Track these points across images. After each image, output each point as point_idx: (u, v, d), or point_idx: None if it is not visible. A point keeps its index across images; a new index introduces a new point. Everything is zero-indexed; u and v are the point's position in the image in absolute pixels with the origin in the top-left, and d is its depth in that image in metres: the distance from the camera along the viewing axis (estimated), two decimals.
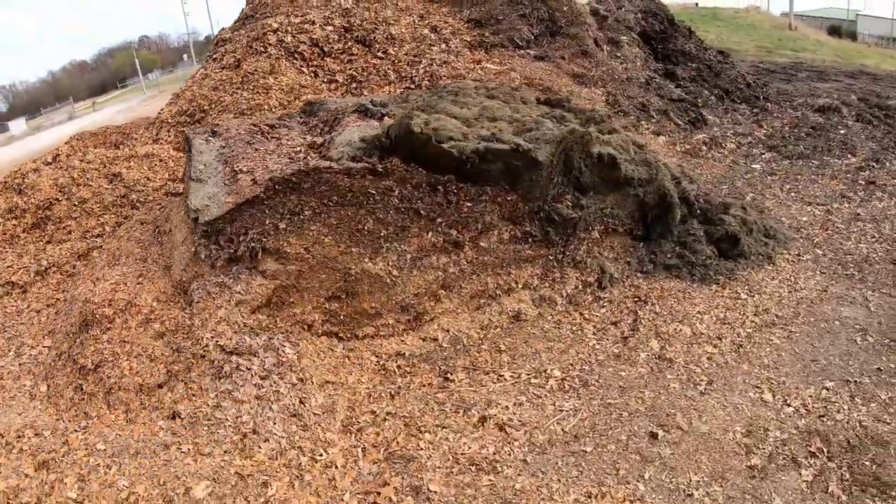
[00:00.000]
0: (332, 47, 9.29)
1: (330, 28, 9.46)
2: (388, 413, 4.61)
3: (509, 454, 4.12)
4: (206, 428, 4.16)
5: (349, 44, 9.44)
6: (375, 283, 5.20)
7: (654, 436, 4.26)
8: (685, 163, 9.88)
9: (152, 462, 3.93)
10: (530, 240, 5.85)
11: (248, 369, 4.60)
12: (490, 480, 3.89)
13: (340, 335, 5.20)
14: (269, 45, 8.97)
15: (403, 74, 9.20)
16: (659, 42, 12.45)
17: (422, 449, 4.18)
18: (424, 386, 4.92)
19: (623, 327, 5.54)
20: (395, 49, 9.69)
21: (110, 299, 5.21)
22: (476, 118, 6.42)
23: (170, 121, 8.46)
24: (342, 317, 5.16)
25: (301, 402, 4.49)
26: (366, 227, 5.15)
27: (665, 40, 12.46)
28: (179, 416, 4.33)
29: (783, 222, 7.68)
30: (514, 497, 3.78)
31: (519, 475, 3.94)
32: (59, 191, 7.54)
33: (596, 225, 6.25)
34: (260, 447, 4.07)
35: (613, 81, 10.65)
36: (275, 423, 4.29)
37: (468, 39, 10.51)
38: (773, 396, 4.55)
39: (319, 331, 5.12)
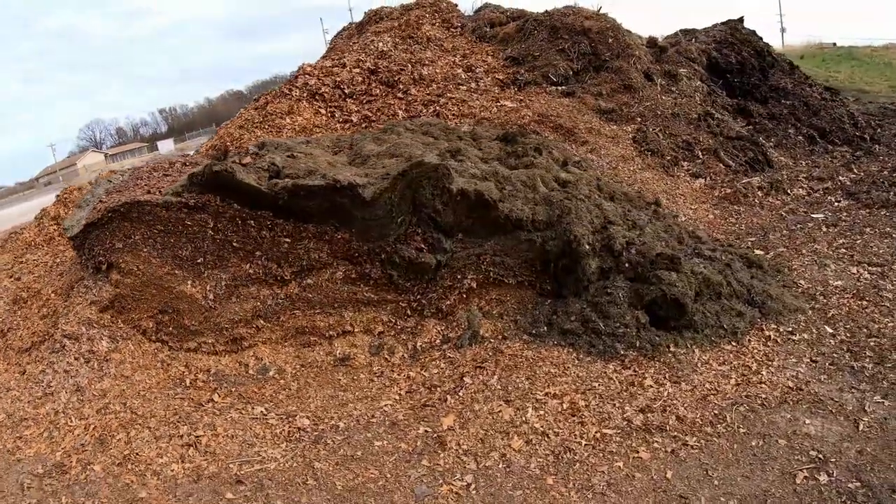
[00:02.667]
0: (355, 89, 9.16)
1: (357, 70, 9.35)
2: (125, 409, 4.59)
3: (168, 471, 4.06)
4: (33, 383, 4.90)
5: (372, 85, 9.24)
6: (195, 304, 4.97)
7: None
8: (718, 210, 7.94)
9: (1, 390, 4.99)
10: (371, 282, 5.05)
11: (70, 350, 5.01)
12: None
13: (170, 344, 5.11)
14: (295, 87, 9.14)
15: (413, 113, 8.72)
16: (736, 75, 10.16)
17: (109, 443, 4.34)
18: (188, 401, 4.60)
19: (436, 394, 4.51)
20: (419, 89, 9.24)
21: (29, 288, 5.69)
22: (377, 155, 5.76)
23: (203, 153, 9.03)
24: (171, 329, 5.10)
25: (89, 382, 4.80)
26: (185, 254, 4.97)
27: (744, 73, 10.10)
28: (24, 373, 5.12)
29: (797, 286, 5.73)
30: None
31: None
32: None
33: (469, 273, 5.18)
34: (47, 403, 4.73)
35: (655, 118, 8.94)
36: (65, 391, 4.77)
37: (501, 77, 9.64)
38: None
39: (153, 336, 5.13)
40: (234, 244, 4.99)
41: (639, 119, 9.06)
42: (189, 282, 5.03)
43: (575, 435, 3.92)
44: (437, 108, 8.85)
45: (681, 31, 11.84)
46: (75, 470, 4.10)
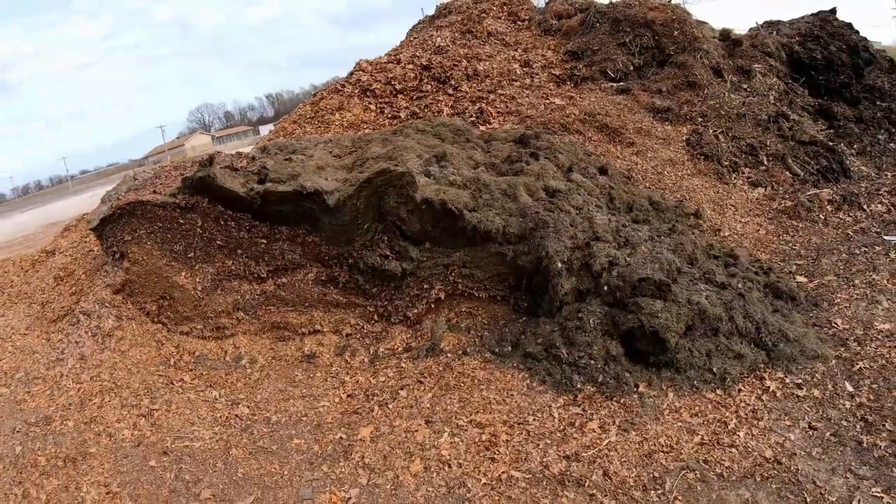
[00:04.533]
0: (407, 85, 9.04)
1: (410, 66, 9.22)
2: (111, 379, 5.01)
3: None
4: (51, 349, 5.48)
5: (423, 81, 9.06)
6: (186, 293, 5.31)
7: None
8: (773, 224, 6.97)
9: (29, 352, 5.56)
10: (340, 285, 5.07)
11: (83, 324, 5.60)
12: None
13: (168, 326, 5.50)
14: (349, 83, 9.21)
15: (458, 110, 8.45)
16: (822, 73, 8.62)
17: (86, 405, 4.76)
18: (163, 378, 5.08)
19: (370, 402, 4.50)
20: (471, 85, 8.93)
21: (66, 268, 6.40)
22: (375, 158, 5.74)
23: (264, 146, 9.48)
24: (169, 313, 5.45)
25: (91, 353, 5.32)
26: (179, 249, 5.31)
27: (831, 70, 8.55)
28: (48, 340, 5.75)
29: (830, 326, 4.86)
30: None
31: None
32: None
33: (436, 283, 5.02)
34: (56, 367, 5.26)
35: (718, 118, 7.93)
36: (72, 358, 5.30)
37: (557, 73, 9.04)
38: None
39: (155, 318, 5.51)
40: (219, 242, 5.20)
41: (699, 119, 8.08)
42: (182, 273, 5.33)
43: (479, 471, 3.65)
44: (484, 105, 8.51)
45: (764, 22, 10.32)
46: (56, 423, 4.62)
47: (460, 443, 3.91)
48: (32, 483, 4.15)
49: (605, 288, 4.94)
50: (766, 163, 7.61)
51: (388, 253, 5.02)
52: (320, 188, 4.87)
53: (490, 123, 7.88)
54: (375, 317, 5.22)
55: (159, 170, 6.14)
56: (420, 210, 4.95)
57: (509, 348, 4.96)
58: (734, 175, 7.81)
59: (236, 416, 4.52)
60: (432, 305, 5.17)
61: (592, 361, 4.60)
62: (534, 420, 4.08)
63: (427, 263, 5.08)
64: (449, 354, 4.91)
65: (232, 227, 5.18)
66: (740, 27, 10.52)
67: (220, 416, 4.52)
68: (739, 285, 5.31)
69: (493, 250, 5.07)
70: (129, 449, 4.28)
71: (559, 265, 4.90)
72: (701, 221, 7.12)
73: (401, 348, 5.09)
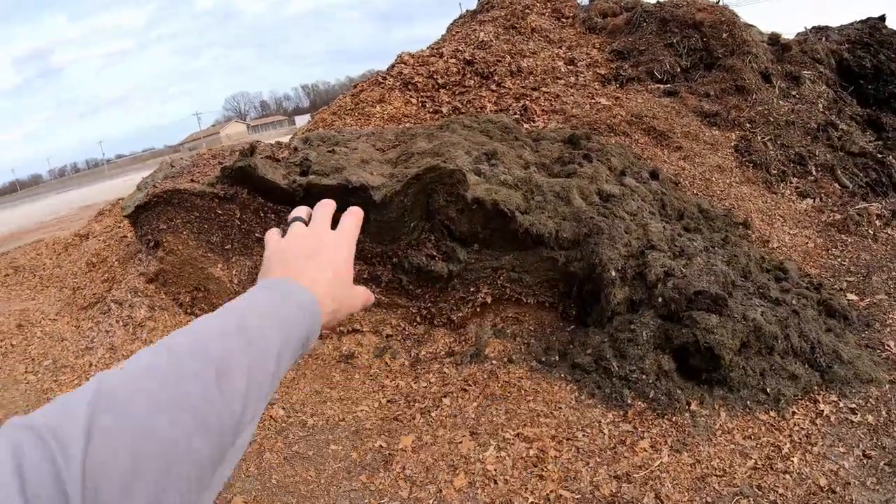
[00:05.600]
0: (449, 79, 8.64)
1: (453, 60, 8.81)
2: None
3: None
4: (81, 337, 5.24)
5: (466, 76, 8.65)
6: (222, 286, 4.97)
7: None
8: (822, 238, 6.50)
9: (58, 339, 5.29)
10: (383, 285, 4.71)
11: (115, 313, 5.36)
12: None
13: None
14: (390, 75, 8.82)
15: (502, 107, 8.04)
16: (870, 81, 8.06)
17: None
18: None
19: (412, 409, 4.15)
20: (514, 82, 8.51)
21: (99, 254, 6.13)
22: (421, 153, 5.37)
23: (299, 135, 9.14)
24: (203, 305, 5.13)
25: (122, 343, 5.04)
26: (216, 240, 4.98)
27: (880, 79, 7.99)
28: (78, 327, 5.53)
29: (883, 348, 4.53)
30: None
31: None
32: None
33: (484, 286, 4.65)
34: (85, 355, 5.02)
35: (767, 125, 7.43)
36: (102, 347, 5.08)
37: (602, 73, 8.57)
38: None
39: (188, 309, 5.19)
40: (258, 235, 4.87)
41: (747, 125, 7.58)
42: (219, 265, 5.01)
43: (526, 489, 3.30)
44: (528, 102, 8.10)
45: (812, 28, 9.73)
46: None
47: (507, 457, 3.55)
48: None
49: (660, 300, 4.54)
50: (814, 173, 7.11)
51: (434, 253, 4.65)
52: (366, 183, 4.51)
53: (534, 122, 7.47)
54: (418, 318, 4.85)
55: (197, 157, 5.82)
56: (470, 210, 4.56)
57: (556, 358, 4.60)
58: (782, 185, 7.33)
59: (270, 417, 4.18)
60: (478, 309, 4.80)
61: (644, 376, 4.25)
62: (583, 436, 3.73)
63: (474, 266, 4.70)
64: (494, 361, 4.55)
65: (272, 220, 4.85)
66: (787, 31, 9.97)
67: None
68: (794, 302, 4.91)
69: (544, 255, 4.68)
70: None
71: (613, 274, 4.51)
72: (749, 232, 6.67)
73: (443, 352, 4.73)
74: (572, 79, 8.74)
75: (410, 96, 8.65)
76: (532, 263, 4.71)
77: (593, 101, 8.17)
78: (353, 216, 0.86)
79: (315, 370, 4.73)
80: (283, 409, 4.26)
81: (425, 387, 4.38)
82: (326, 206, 0.86)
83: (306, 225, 0.82)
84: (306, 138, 5.66)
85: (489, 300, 4.77)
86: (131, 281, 5.39)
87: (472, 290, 4.76)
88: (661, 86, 8.33)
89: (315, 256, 0.74)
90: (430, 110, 8.40)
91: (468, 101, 8.28)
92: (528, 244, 4.65)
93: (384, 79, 8.84)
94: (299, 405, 4.31)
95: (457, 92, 8.60)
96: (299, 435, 3.99)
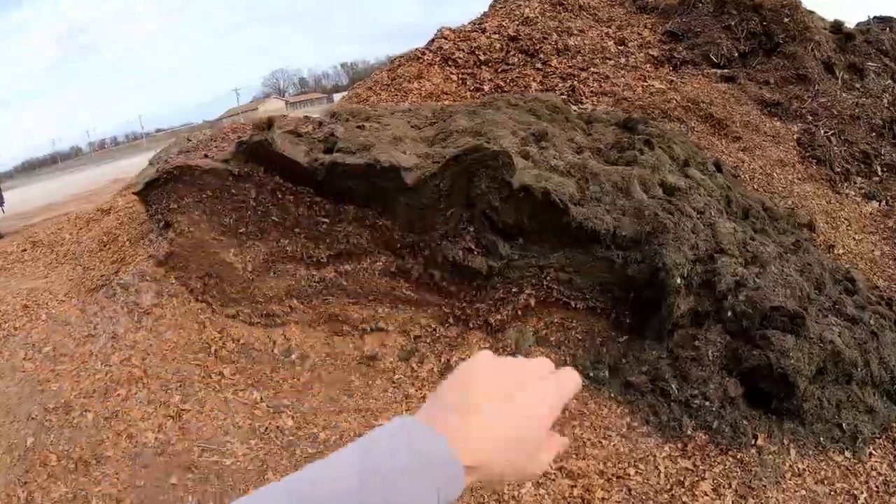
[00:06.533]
0: (492, 56, 7.83)
1: (496, 36, 7.98)
2: (141, 365, 4.07)
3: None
4: (84, 323, 4.53)
5: (510, 53, 7.83)
6: (234, 273, 4.33)
7: None
8: (888, 245, 5.65)
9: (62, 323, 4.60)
10: (412, 279, 4.01)
11: (120, 299, 4.65)
12: None
13: (214, 307, 4.54)
14: (429, 50, 8.03)
15: (548, 86, 7.24)
16: None
17: (110, 395, 3.87)
18: (199, 368, 4.12)
19: None
20: (561, 61, 7.67)
21: (111, 233, 5.52)
22: (461, 132, 4.62)
23: (333, 111, 8.41)
24: (214, 293, 4.49)
25: (125, 332, 4.39)
26: (229, 222, 4.33)
27: None
28: (83, 311, 4.75)
29: None
30: None
31: None
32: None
33: (527, 287, 3.92)
34: (87, 343, 4.34)
35: (830, 118, 6.52)
36: (104, 335, 4.40)
37: (655, 54, 7.68)
38: None
39: (199, 297, 4.56)
40: (274, 218, 4.19)
41: (809, 117, 6.64)
42: (232, 250, 4.36)
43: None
44: (576, 82, 7.28)
45: (875, 17, 8.65)
46: (75, 413, 3.77)
47: (546, 496, 2.86)
48: (38, 486, 3.27)
49: (730, 314, 3.77)
50: (879, 173, 6.19)
51: (472, 246, 3.91)
52: (397, 163, 3.78)
53: (582, 103, 6.65)
54: (451, 319, 4.14)
55: (216, 132, 5.15)
56: (516, 199, 3.81)
57: (606, 373, 3.86)
58: (846, 184, 6.42)
59: (277, 427, 3.52)
60: (519, 312, 4.06)
61: (707, 402, 3.53)
62: (635, 473, 3.03)
63: (518, 263, 3.96)
64: None
65: (290, 202, 4.15)
66: (848, 20, 8.90)
67: (259, 427, 3.53)
68: (871, 321, 4.11)
69: (599, 254, 3.91)
70: (149, 457, 3.34)
71: (678, 281, 3.73)
72: (814, 235, 5.82)
73: None
74: (622, 60, 7.85)
75: (450, 72, 7.87)
76: (584, 263, 3.95)
77: (646, 83, 7.30)
78: (573, 380, 0.71)
79: (333, 372, 4.06)
80: (293, 418, 3.60)
81: None
82: (571, 381, 0.70)
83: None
84: (334, 112, 4.94)
85: (533, 303, 4.03)
86: (140, 263, 4.76)
87: (513, 290, 4.02)
88: (719, 71, 7.41)
89: (505, 401, 0.62)
90: (471, 88, 7.63)
91: (512, 79, 7.49)
92: (582, 241, 3.89)
93: (423, 54, 8.05)
94: (311, 414, 3.64)
95: (499, 69, 7.81)
96: (308, 451, 3.32)
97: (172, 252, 4.60)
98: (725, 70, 7.19)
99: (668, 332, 3.85)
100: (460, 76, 7.86)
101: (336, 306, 4.25)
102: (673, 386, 3.67)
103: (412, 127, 4.87)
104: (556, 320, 4.10)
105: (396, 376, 3.98)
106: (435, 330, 4.17)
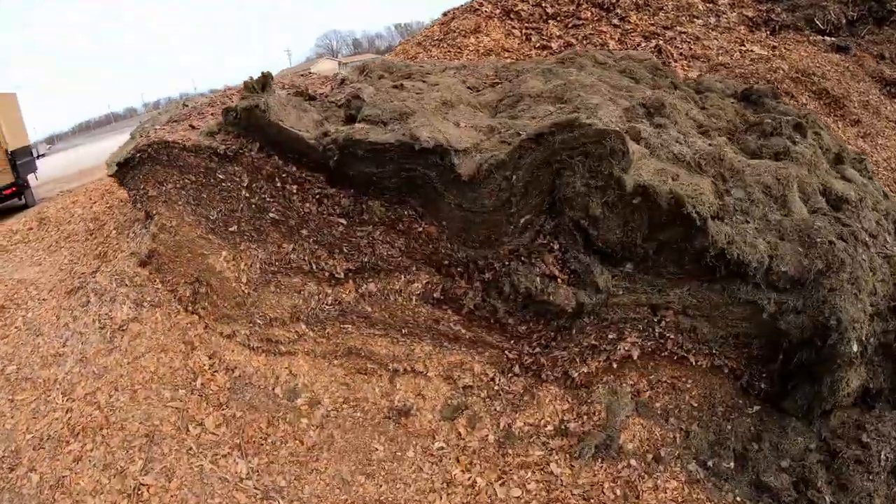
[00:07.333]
0: (560, 9, 6.35)
1: None
2: (106, 406, 3.04)
3: None
4: (54, 336, 3.61)
5: (582, 6, 6.33)
6: (226, 284, 3.09)
7: None
8: None
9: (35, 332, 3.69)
10: (465, 310, 2.73)
11: (93, 309, 3.63)
12: None
13: (206, 322, 3.35)
14: (488, 2, 6.55)
15: (628, 46, 5.79)
16: None
17: (62, 450, 2.88)
18: (176, 415, 2.92)
19: None
20: (641, 17, 6.13)
21: (98, 219, 4.44)
22: (534, 97, 3.25)
23: (363, 66, 7.03)
24: (207, 304, 3.27)
25: (94, 354, 3.35)
26: (217, 217, 3.04)
27: None
28: (58, 318, 3.80)
29: None
30: None
31: None
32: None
33: (631, 332, 2.60)
34: (53, 365, 3.40)
35: None
36: (72, 356, 3.46)
37: (749, 15, 6.09)
38: None
39: (190, 307, 3.37)
40: (273, 215, 2.90)
41: None
42: (223, 253, 3.11)
43: None
44: (661, 42, 5.79)
45: None
46: (21, 471, 2.75)
47: None
48: None
49: None
50: None
51: (556, 271, 2.58)
52: (446, 143, 2.43)
53: (669, 67, 5.16)
54: (516, 368, 2.85)
55: (217, 95, 3.85)
56: (628, 205, 2.44)
57: (731, 464, 2.56)
58: None
59: None
60: (614, 365, 2.75)
61: None
62: None
63: (622, 299, 2.61)
64: (632, 460, 2.56)
65: (294, 194, 2.85)
66: None
67: None
68: None
69: (740, 295, 2.54)
70: None
71: (853, 347, 2.35)
72: None
73: (551, 427, 2.74)
74: (712, 19, 6.24)
75: (512, 27, 6.42)
76: (718, 306, 2.58)
77: (744, 48, 5.71)
78: None
79: (350, 430, 2.84)
80: None
81: (517, 496, 2.45)
82: None
83: None
84: (363, 67, 3.56)
85: (636, 354, 2.71)
86: (121, 262, 3.57)
87: (610, 335, 2.69)
88: (827, 38, 5.81)
89: None
90: (536, 45, 6.18)
91: (584, 36, 6.03)
92: (720, 273, 2.52)
93: (481, 5, 6.56)
94: (316, 502, 2.46)
95: (569, 24, 6.32)
96: None
97: (155, 250, 3.39)
98: (831, 38, 5.61)
99: (824, 412, 2.54)
100: (524, 31, 6.43)
101: (357, 338, 2.99)
102: (827, 499, 2.39)
103: (468, 88, 3.49)
104: (664, 379, 2.78)
105: (437, 445, 2.75)
106: (493, 380, 2.90)
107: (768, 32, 5.93)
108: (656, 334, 2.57)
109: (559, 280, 2.51)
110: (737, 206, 2.52)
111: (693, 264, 2.44)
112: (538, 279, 2.49)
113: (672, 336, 2.57)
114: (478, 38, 6.37)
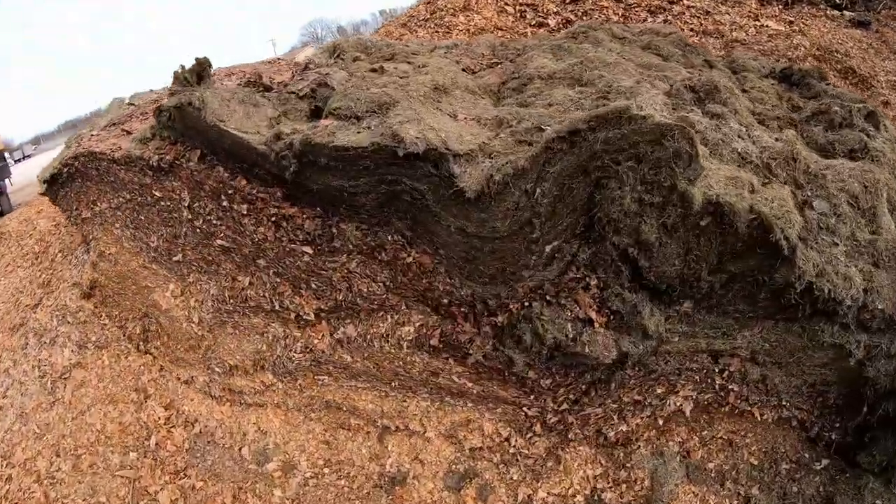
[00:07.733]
0: None
1: None
2: (46, 477, 2.54)
3: None
4: (1, 367, 3.10)
5: None
6: (177, 324, 2.40)
7: None
8: None
9: None
10: (471, 360, 2.07)
11: (31, 353, 3.09)
12: None
13: (161, 364, 2.67)
14: None
15: (633, 22, 5.14)
16: None
17: None
18: (126, 488, 2.26)
19: None
20: None
21: (43, 240, 3.71)
22: (546, 79, 2.57)
23: (335, 45, 6.25)
24: (158, 343, 2.57)
25: (34, 409, 2.85)
26: (158, 243, 2.33)
27: None
28: (3, 349, 3.29)
29: None
30: None
31: None
32: None
33: (686, 385, 1.98)
34: None
35: None
36: (11, 411, 2.96)
37: None
38: None
39: (142, 346, 2.68)
40: (221, 241, 2.20)
41: None
42: (169, 287, 2.44)
43: None
44: (669, 16, 5.17)
45: None
46: None
47: None
48: None
49: None
50: None
51: (592, 314, 1.95)
52: (441, 145, 1.74)
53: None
54: (537, 426, 2.24)
55: (166, 91, 3.11)
56: (694, 227, 1.80)
57: None
58: None
59: None
60: (660, 422, 2.16)
61: None
62: None
63: (678, 346, 2.00)
64: None
65: (244, 216, 2.15)
66: None
67: None
68: None
69: (825, 338, 1.95)
70: None
71: None
72: None
73: (581, 498, 2.17)
74: None
75: (505, 3, 5.73)
76: (796, 350, 2.00)
77: (758, 23, 5.09)
78: None
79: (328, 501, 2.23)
80: None
81: None
82: None
83: None
84: (335, 48, 2.82)
85: (689, 409, 2.12)
86: (63, 294, 2.89)
87: (658, 389, 2.09)
88: (845, 13, 5.22)
89: None
90: (532, 23, 5.51)
91: (584, 12, 5.40)
92: (803, 311, 1.92)
93: None
94: None
95: (567, 0, 5.70)
96: None
97: (97, 281, 2.69)
98: (848, 11, 5.02)
99: None
100: (518, 8, 5.74)
101: (335, 391, 2.35)
102: None
103: (463, 69, 2.79)
104: (720, 435, 2.20)
105: None
106: (507, 441, 2.29)
107: (781, 7, 5.32)
108: (716, 386, 1.97)
109: (596, 324, 1.88)
110: (821, 223, 1.90)
111: (770, 300, 1.82)
112: (569, 325, 1.85)
113: (736, 388, 1.97)
114: (468, 16, 5.69)
